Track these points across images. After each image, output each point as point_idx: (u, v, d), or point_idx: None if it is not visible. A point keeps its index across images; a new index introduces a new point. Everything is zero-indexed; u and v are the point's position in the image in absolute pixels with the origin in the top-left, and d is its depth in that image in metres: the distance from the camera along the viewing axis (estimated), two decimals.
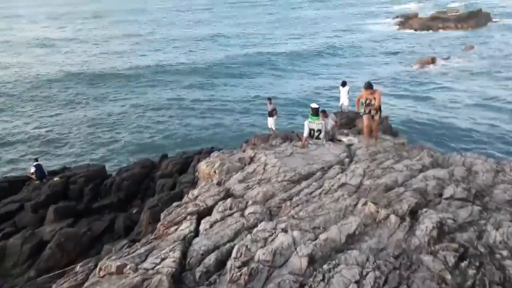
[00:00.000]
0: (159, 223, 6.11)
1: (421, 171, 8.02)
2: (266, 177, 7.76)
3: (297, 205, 6.07)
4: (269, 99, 16.91)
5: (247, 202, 6.48)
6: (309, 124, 10.13)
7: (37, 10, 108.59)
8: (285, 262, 4.46)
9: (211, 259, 4.69)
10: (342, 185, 7.10)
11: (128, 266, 4.50)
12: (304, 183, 7.22)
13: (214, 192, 7.05)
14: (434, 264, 4.26)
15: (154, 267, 4.46)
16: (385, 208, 5.78)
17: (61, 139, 24.36)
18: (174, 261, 4.52)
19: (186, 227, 5.68)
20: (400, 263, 4.44)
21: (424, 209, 5.82)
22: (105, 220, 12.52)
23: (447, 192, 6.81)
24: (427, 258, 4.40)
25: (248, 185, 7.34)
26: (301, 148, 9.78)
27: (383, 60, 42.40)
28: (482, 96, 28.73)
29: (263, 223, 5.41)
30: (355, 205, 6.04)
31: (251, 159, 9.29)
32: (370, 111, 9.76)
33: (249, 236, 5.03)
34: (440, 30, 55.65)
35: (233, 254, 4.62)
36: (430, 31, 55.68)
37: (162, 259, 4.63)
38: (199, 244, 5.06)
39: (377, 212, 5.68)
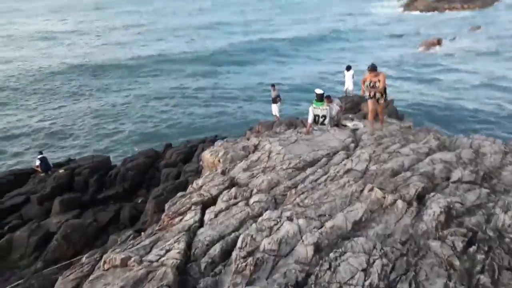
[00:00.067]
0: (164, 214, 6.07)
1: (427, 154, 7.88)
2: (271, 165, 7.67)
3: (302, 193, 5.99)
4: (273, 85, 16.73)
5: (251, 191, 6.41)
6: (314, 110, 9.99)
7: (38, 3, 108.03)
8: (290, 251, 4.40)
9: (216, 249, 4.63)
10: (348, 171, 6.99)
11: (133, 259, 4.46)
12: (309, 170, 7.12)
13: (218, 181, 6.98)
14: (442, 250, 4.18)
15: (159, 259, 4.42)
16: (391, 194, 5.68)
17: (65, 131, 24.42)
18: (179, 253, 4.48)
19: (190, 218, 5.63)
20: (407, 249, 4.36)
21: (432, 194, 5.72)
22: (111, 211, 12.59)
23: (455, 175, 6.69)
24: (435, 244, 4.31)
25: (252, 174, 7.26)
26: (305, 135, 9.67)
27: (388, 43, 41.84)
28: (489, 76, 28.31)
29: (268, 211, 5.34)
30: (361, 191, 5.94)
31: (255, 147, 9.20)
32: (375, 95, 9.60)
33: (254, 225, 4.97)
34: (446, 11, 54.73)
35: (238, 244, 4.57)
36: (436, 12, 54.76)
37: (167, 251, 4.58)
38: (204, 234, 5.01)
39: (384, 197, 5.58)
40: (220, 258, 4.55)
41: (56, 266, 8.92)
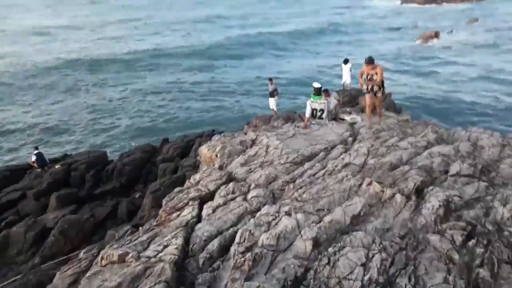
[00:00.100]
0: (161, 210, 6.02)
1: (426, 148, 7.86)
2: (269, 159, 7.62)
3: (301, 187, 5.95)
4: (270, 79, 16.64)
5: (249, 186, 6.37)
6: (311, 104, 9.93)
7: None
8: (289, 246, 4.36)
9: (214, 244, 4.60)
10: (346, 165, 6.96)
11: (130, 255, 4.42)
12: (307, 165, 7.08)
13: (216, 176, 6.93)
14: (441, 244, 4.16)
15: (157, 254, 4.38)
16: (390, 188, 5.65)
17: (61, 126, 24.27)
18: (176, 248, 4.44)
19: (188, 213, 5.59)
20: (406, 243, 4.34)
21: (430, 187, 5.70)
22: (108, 206, 12.52)
23: (453, 168, 6.67)
24: (434, 238, 4.29)
25: (250, 168, 7.21)
26: (303, 129, 9.62)
27: (386, 36, 41.74)
28: (486, 69, 28.31)
29: (266, 206, 5.30)
30: (360, 185, 5.91)
31: (253, 142, 9.14)
32: (372, 88, 9.47)
33: (252, 220, 4.93)
34: (444, 4, 54.60)
35: (237, 239, 4.53)
36: (434, 5, 54.61)
37: (165, 246, 4.54)
38: (202, 230, 4.97)
39: (382, 191, 5.56)
40: (218, 253, 4.51)
41: (54, 262, 8.88)
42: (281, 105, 19.31)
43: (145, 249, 4.69)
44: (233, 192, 6.20)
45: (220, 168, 7.73)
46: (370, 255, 3.94)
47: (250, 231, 4.62)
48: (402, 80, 27.44)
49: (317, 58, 35.96)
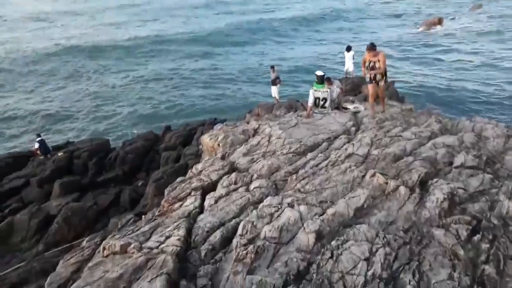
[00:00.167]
0: (163, 200, 6.01)
1: (430, 138, 7.78)
2: (271, 149, 7.58)
3: (303, 178, 5.91)
4: (272, 67, 16.47)
5: (252, 176, 6.34)
6: (314, 92, 9.83)
7: None
8: (292, 238, 4.34)
9: (216, 236, 4.58)
10: (349, 155, 6.90)
11: (132, 245, 4.42)
12: (310, 155, 7.03)
13: (218, 166, 6.90)
14: (446, 239, 4.12)
15: (159, 245, 4.37)
16: (394, 179, 5.60)
17: (63, 113, 24.22)
18: (179, 239, 4.43)
19: (190, 203, 5.57)
20: (410, 237, 4.31)
21: (435, 179, 5.64)
22: (111, 194, 12.57)
23: (458, 160, 6.60)
24: (438, 232, 4.26)
25: (252, 158, 7.17)
26: (306, 118, 9.54)
27: (388, 23, 41.16)
28: (490, 57, 27.94)
29: (269, 198, 5.28)
30: (363, 176, 5.86)
31: (255, 131, 9.08)
32: (375, 77, 9.24)
33: (254, 211, 4.91)
34: None
35: (239, 231, 4.51)
36: None
37: (167, 237, 4.53)
38: (204, 221, 4.95)
39: (386, 183, 5.51)
40: (220, 245, 4.50)
41: (57, 249, 8.94)
42: (283, 93, 19.18)
43: (147, 239, 4.68)
44: (235, 183, 6.17)
45: (223, 157, 7.70)
46: (374, 250, 3.92)
47: (252, 223, 4.60)
48: (405, 68, 27.14)
49: (319, 45, 35.54)
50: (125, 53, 36.93)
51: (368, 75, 9.29)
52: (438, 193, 5.14)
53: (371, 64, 9.05)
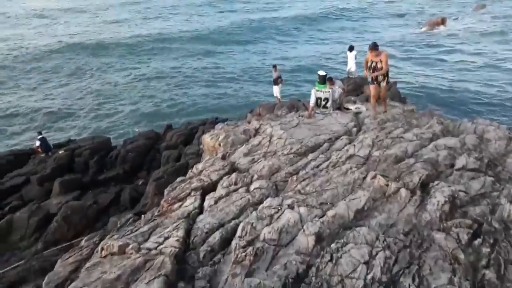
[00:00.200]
0: (163, 200, 5.98)
1: (431, 140, 7.74)
2: (272, 149, 7.55)
3: (304, 180, 5.88)
4: (274, 66, 16.45)
5: (252, 177, 6.31)
6: (316, 92, 9.79)
7: None
8: (291, 240, 4.32)
9: (215, 237, 4.56)
10: (350, 156, 6.87)
11: (131, 246, 4.40)
12: (310, 156, 7.00)
13: (218, 166, 6.88)
14: (446, 242, 4.09)
15: (157, 246, 4.35)
16: (395, 181, 5.57)
17: (65, 111, 24.23)
18: (177, 240, 4.41)
19: (190, 204, 5.55)
20: (410, 240, 4.28)
21: (436, 182, 5.60)
22: (111, 193, 12.55)
23: (459, 162, 6.56)
24: (439, 236, 4.22)
25: (253, 159, 7.14)
26: (307, 118, 9.50)
27: (391, 22, 41.02)
28: (493, 58, 27.79)
29: (269, 199, 5.25)
30: (364, 178, 5.83)
31: (256, 131, 9.05)
32: (376, 78, 9.13)
33: (254, 213, 4.88)
34: None
35: (238, 233, 4.49)
36: None
37: (166, 238, 4.51)
38: (204, 221, 4.93)
39: (387, 185, 5.48)
40: (219, 246, 4.48)
41: (56, 248, 8.94)
42: (285, 92, 19.12)
43: (145, 240, 4.67)
44: (235, 183, 6.14)
45: (223, 157, 7.67)
46: (374, 253, 3.89)
47: (252, 224, 4.58)
48: (407, 68, 27.04)
49: (322, 44, 35.43)
50: (128, 50, 36.89)
51: (369, 76, 9.22)
52: (439, 195, 5.10)
53: (373, 65, 8.96)
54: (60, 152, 15.01)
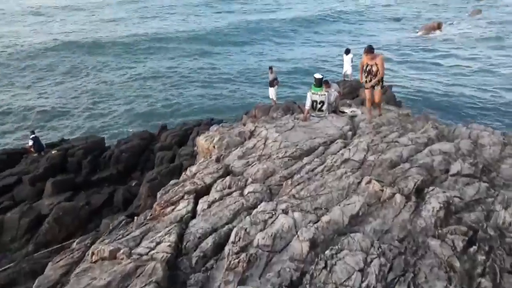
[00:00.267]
0: (155, 203, 5.90)
1: (426, 144, 7.73)
2: (267, 152, 7.49)
3: (298, 184, 5.83)
4: (270, 68, 16.42)
5: (246, 180, 6.25)
6: (312, 95, 9.75)
7: None
8: (285, 246, 4.26)
9: (208, 243, 4.49)
10: (345, 161, 6.83)
11: (122, 251, 4.31)
12: (305, 159, 6.95)
13: (212, 169, 6.81)
14: (442, 250, 4.05)
15: (149, 252, 4.27)
16: (390, 187, 5.53)
17: (59, 110, 24.02)
18: (169, 246, 4.33)
19: (183, 207, 5.47)
20: (405, 247, 4.24)
21: (431, 187, 5.58)
22: (104, 193, 12.43)
23: (454, 168, 6.55)
24: (434, 243, 4.18)
25: (248, 162, 7.08)
26: (303, 121, 9.46)
27: (388, 26, 41.19)
28: (488, 63, 27.98)
29: (263, 203, 5.19)
30: (359, 183, 5.79)
31: (252, 133, 9.00)
32: (371, 81, 9.10)
33: (248, 218, 4.82)
34: None
35: (232, 238, 4.42)
36: None
37: (157, 243, 4.44)
38: (196, 226, 4.86)
39: (382, 190, 5.44)
40: (212, 252, 4.41)
41: (47, 250, 8.81)
42: (282, 94, 19.10)
43: (137, 245, 4.59)
44: (229, 187, 6.08)
45: (217, 160, 7.60)
46: (369, 260, 3.84)
47: (245, 229, 4.51)
48: (402, 72, 27.14)
49: (319, 47, 35.48)
50: (124, 50, 36.70)
51: (364, 79, 9.15)
52: (434, 201, 5.07)
53: (368, 68, 8.91)
54: (53, 152, 14.85)
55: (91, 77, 29.95)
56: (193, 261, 4.23)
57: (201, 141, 9.18)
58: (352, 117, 10.05)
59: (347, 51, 18.10)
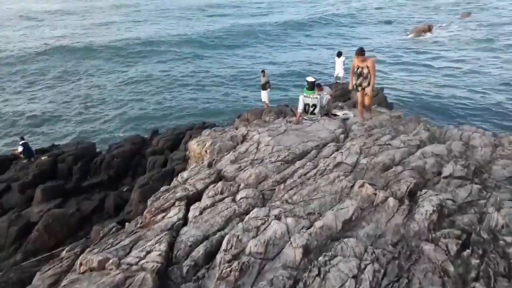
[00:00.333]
0: (146, 211, 5.79)
1: (418, 147, 7.73)
2: (259, 157, 7.43)
3: (291, 188, 5.77)
4: (263, 71, 16.38)
5: (239, 186, 6.17)
6: (304, 98, 9.73)
7: None
8: (278, 253, 4.19)
9: (199, 251, 4.40)
10: (338, 164, 6.79)
11: (111, 261, 4.20)
12: (298, 163, 6.90)
13: (204, 174, 6.72)
14: (435, 254, 4.01)
15: (138, 261, 4.17)
16: (383, 190, 5.50)
17: (49, 115, 23.75)
18: (160, 255, 4.23)
19: (174, 215, 5.38)
20: (399, 252, 4.19)
21: (424, 190, 5.55)
22: (95, 200, 12.25)
23: (446, 170, 6.53)
24: (428, 247, 4.14)
25: (240, 167, 7.00)
26: (295, 124, 9.42)
27: (379, 29, 41.49)
28: (478, 64, 28.27)
29: (255, 209, 5.11)
30: (352, 186, 5.75)
31: (244, 137, 8.93)
32: (361, 84, 9.01)
33: (240, 224, 4.74)
34: None
35: (223, 246, 4.34)
36: None
37: (148, 252, 4.34)
38: (188, 234, 4.77)
39: (375, 194, 5.40)
40: (203, 260, 4.32)
41: (36, 259, 8.62)
42: (274, 97, 19.06)
43: (126, 254, 4.48)
44: (221, 192, 6.00)
45: (209, 165, 7.52)
46: (362, 266, 3.78)
47: (237, 237, 4.43)
48: (393, 74, 27.31)
49: (311, 50, 35.60)
50: (116, 54, 36.50)
51: (353, 82, 9.10)
52: (427, 205, 5.04)
53: (359, 70, 8.89)
54: (43, 158, 14.65)
55: (82, 82, 29.70)
56: (184, 270, 4.14)
57: (193, 145, 9.09)
58: (344, 120, 10.03)
59: (339, 54, 18.16)
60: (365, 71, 8.76)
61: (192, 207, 5.57)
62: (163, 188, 6.65)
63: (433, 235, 4.44)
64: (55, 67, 33.03)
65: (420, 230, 4.66)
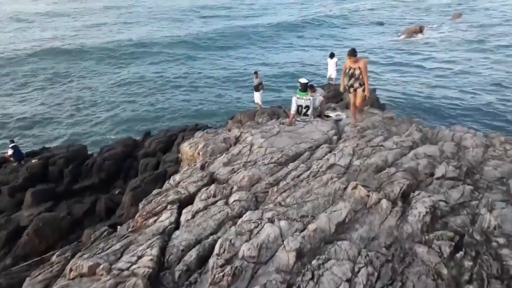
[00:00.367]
0: (137, 214, 5.72)
1: (411, 148, 7.74)
2: (252, 159, 7.39)
3: (284, 191, 5.74)
4: (256, 72, 16.37)
5: (231, 188, 6.12)
6: (297, 100, 9.72)
7: None
8: (271, 257, 4.15)
9: (192, 255, 4.34)
10: (331, 166, 6.77)
11: (101, 266, 4.13)
12: (291, 165, 6.88)
13: (197, 177, 6.66)
14: (429, 257, 4.00)
15: (130, 267, 4.10)
16: (376, 192, 5.49)
17: (40, 117, 23.50)
18: (151, 260, 4.17)
19: (166, 218, 5.31)
20: (392, 254, 4.18)
21: (417, 192, 5.56)
22: (86, 203, 12.13)
23: (439, 171, 6.55)
24: (421, 250, 4.14)
25: (233, 169, 6.95)
26: (288, 126, 9.40)
27: (371, 30, 41.75)
28: (469, 65, 28.55)
29: (248, 212, 5.07)
30: (345, 188, 5.73)
31: (237, 139, 8.89)
32: (352, 85, 8.95)
33: (233, 228, 4.70)
34: None
35: (216, 250, 4.29)
36: None
37: (139, 257, 4.27)
38: (180, 238, 4.71)
39: (368, 196, 5.39)
40: (196, 265, 4.26)
41: (26, 263, 8.50)
42: (267, 98, 19.06)
43: (117, 259, 4.41)
44: (214, 195, 5.94)
45: (202, 167, 7.46)
46: (356, 269, 3.76)
47: (230, 240, 4.39)
48: (385, 75, 27.49)
49: (303, 51, 35.71)
50: (108, 55, 36.26)
51: (344, 83, 9.08)
52: (420, 206, 5.04)
53: (350, 71, 8.88)
54: (33, 161, 14.48)
55: (74, 84, 29.44)
56: (176, 275, 4.08)
57: (186, 148, 9.02)
58: (337, 121, 10.03)
59: (332, 55, 18.21)
60: (357, 72, 8.76)
61: (184, 211, 5.51)
62: (155, 191, 6.58)
63: (426, 237, 4.43)
64: (46, 69, 32.70)
65: (414, 232, 4.65)
